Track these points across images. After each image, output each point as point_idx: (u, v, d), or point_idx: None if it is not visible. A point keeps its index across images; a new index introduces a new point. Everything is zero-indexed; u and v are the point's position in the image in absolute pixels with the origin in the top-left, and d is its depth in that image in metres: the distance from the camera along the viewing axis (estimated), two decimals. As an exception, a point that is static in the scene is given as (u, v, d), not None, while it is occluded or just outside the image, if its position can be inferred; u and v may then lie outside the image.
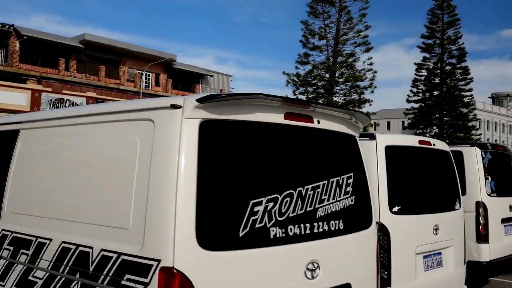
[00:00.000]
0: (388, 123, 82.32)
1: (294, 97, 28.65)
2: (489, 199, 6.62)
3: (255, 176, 2.43)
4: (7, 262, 3.02)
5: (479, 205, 6.95)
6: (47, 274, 2.69)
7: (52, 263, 2.66)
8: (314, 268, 2.56)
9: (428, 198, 4.75)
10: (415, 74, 38.99)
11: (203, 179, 2.05)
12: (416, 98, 40.82)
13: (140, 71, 34.15)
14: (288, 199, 2.45)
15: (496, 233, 6.70)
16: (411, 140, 4.86)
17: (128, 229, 2.19)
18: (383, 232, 3.92)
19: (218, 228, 2.15)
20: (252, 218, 2.23)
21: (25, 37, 29.01)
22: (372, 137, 4.20)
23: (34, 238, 2.85)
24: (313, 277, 2.55)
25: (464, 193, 6.44)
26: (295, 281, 2.45)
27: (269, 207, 2.33)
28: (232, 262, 2.15)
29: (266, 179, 2.46)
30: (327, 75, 33.45)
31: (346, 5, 34.24)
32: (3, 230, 3.11)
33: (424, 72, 39.14)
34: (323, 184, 2.70)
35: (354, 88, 33.15)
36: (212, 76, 42.77)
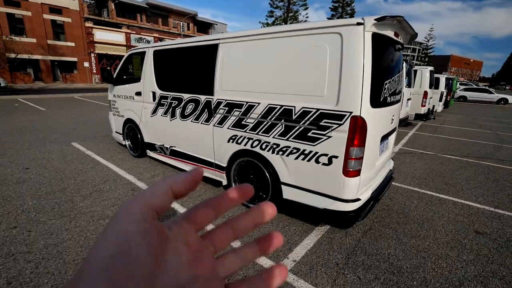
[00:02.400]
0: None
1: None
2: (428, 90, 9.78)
3: (386, 67, 2.71)
4: (223, 116, 3.32)
5: (425, 92, 9.65)
6: (256, 121, 3.01)
7: (260, 115, 2.96)
8: (393, 118, 3.16)
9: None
10: None
11: (373, 69, 2.33)
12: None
13: (179, 21, 38.14)
14: (392, 82, 2.88)
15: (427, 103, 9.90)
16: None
17: (323, 96, 2.48)
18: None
19: (375, 96, 2.47)
20: (383, 91, 2.64)
21: (116, 1, 30.91)
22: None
23: (244, 103, 3.07)
24: (392, 122, 3.17)
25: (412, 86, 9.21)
26: (388, 123, 3.00)
27: (388, 86, 2.76)
28: (376, 113, 2.55)
29: (388, 70, 2.76)
30: (283, 23, 38.71)
31: (294, -19, 39.51)
32: (217, 99, 3.34)
33: None
34: (397, 76, 3.01)
35: None
36: (217, 24, 44.70)
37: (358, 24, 2.28)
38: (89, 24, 28.44)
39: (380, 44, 2.51)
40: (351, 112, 2.39)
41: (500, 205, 3.73)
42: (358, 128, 2.39)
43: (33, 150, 5.48)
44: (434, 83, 11.88)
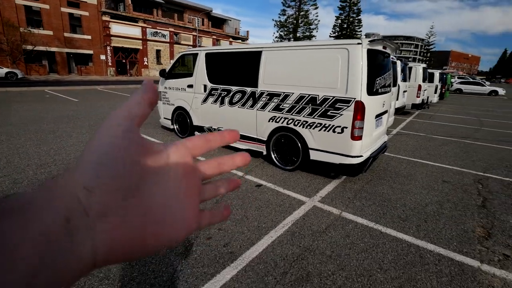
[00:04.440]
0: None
1: (278, 34, 41.76)
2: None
3: (377, 69, 3.81)
4: (264, 102, 4.42)
5: (419, 86, 10.74)
6: (290, 105, 4.12)
7: (294, 101, 4.08)
8: (384, 104, 4.32)
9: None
10: (334, 21, 46.51)
11: (368, 70, 3.47)
12: (334, 35, 48.03)
13: (194, 17, 38.31)
14: (382, 79, 4.04)
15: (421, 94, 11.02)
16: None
17: (336, 88, 3.64)
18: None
19: (370, 87, 3.60)
20: (375, 85, 3.78)
21: (132, -4, 31.34)
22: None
23: (281, 92, 4.18)
24: (383, 107, 4.35)
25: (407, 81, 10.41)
26: (380, 107, 4.10)
27: (379, 81, 3.91)
28: (371, 100, 3.68)
29: (379, 70, 3.86)
30: (295, 21, 41.42)
31: (305, -18, 41.03)
32: (261, 90, 4.42)
33: (339, 21, 45.95)
34: (387, 74, 4.13)
35: (307, 29, 42.18)
36: (231, 20, 45.42)
37: (358, 44, 3.49)
38: (106, 18, 29.23)
39: (373, 54, 3.70)
40: (355, 98, 3.59)
41: (465, 166, 4.98)
42: (360, 108, 3.60)
43: (92, 133, 6.66)
44: (429, 77, 13.18)
